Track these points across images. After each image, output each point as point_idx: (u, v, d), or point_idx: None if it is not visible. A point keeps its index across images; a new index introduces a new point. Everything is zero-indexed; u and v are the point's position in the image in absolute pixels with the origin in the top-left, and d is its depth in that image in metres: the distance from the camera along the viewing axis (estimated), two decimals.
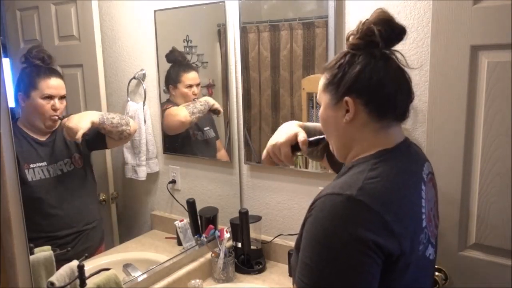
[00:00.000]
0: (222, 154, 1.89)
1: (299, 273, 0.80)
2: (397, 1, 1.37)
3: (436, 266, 1.30)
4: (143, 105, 1.89)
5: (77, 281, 1.08)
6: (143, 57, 1.92)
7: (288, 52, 1.64)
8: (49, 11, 1.79)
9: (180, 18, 1.87)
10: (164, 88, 1.90)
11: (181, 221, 1.70)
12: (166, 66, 1.89)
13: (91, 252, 1.61)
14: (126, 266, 1.47)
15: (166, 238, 1.89)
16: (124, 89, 1.92)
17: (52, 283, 1.03)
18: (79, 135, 1.47)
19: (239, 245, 1.72)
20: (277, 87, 1.69)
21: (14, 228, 0.79)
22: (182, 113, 1.83)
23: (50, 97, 1.48)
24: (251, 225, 1.72)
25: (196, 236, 1.73)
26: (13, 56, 1.71)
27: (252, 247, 1.74)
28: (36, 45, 1.69)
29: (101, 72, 1.85)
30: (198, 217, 1.77)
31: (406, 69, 0.89)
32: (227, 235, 1.68)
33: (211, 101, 1.86)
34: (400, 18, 1.35)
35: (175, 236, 1.75)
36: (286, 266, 1.72)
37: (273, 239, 1.78)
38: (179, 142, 1.95)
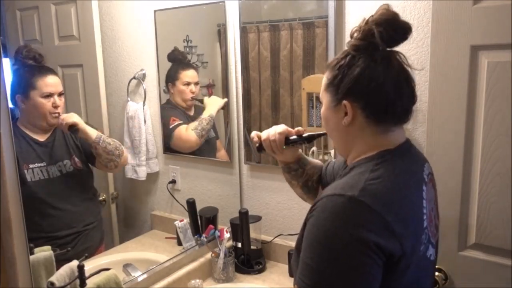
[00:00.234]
0: (222, 154, 1.89)
1: (300, 274, 0.80)
2: (397, 1, 1.37)
3: (436, 266, 1.31)
4: (143, 105, 1.89)
5: (77, 281, 1.08)
6: (143, 57, 1.92)
7: (288, 52, 1.64)
8: (49, 11, 1.79)
9: (180, 18, 1.87)
10: (164, 87, 1.91)
11: (181, 221, 1.70)
12: (166, 66, 1.89)
13: (91, 252, 1.61)
14: (126, 266, 1.47)
15: (166, 238, 1.89)
16: (124, 89, 1.92)
17: (52, 283, 1.03)
18: (73, 118, 1.49)
19: (239, 245, 1.72)
20: (277, 87, 1.69)
21: (14, 228, 0.79)
22: (192, 139, 1.84)
23: (49, 95, 1.48)
24: (251, 225, 1.72)
25: (196, 236, 1.73)
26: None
27: (252, 247, 1.74)
28: (23, 45, 1.69)
29: (101, 72, 1.85)
30: (198, 217, 1.77)
31: (410, 69, 0.87)
32: (227, 235, 1.68)
33: (214, 111, 1.85)
34: None
35: (175, 236, 1.75)
36: (286, 266, 1.71)
37: (273, 239, 1.78)
38: None
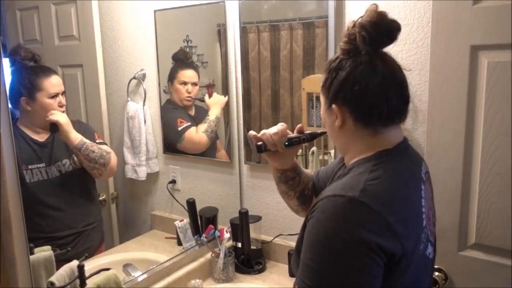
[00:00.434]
0: (222, 154, 1.89)
1: (300, 274, 0.80)
2: (397, 1, 1.37)
3: (436, 266, 1.31)
4: (143, 105, 1.89)
5: (77, 281, 1.08)
6: (143, 57, 1.92)
7: (288, 52, 1.64)
8: (49, 11, 1.79)
9: (180, 18, 1.87)
10: (165, 87, 1.91)
11: (181, 221, 1.70)
12: (166, 66, 1.89)
13: (91, 252, 1.61)
14: (126, 266, 1.47)
15: (166, 238, 1.89)
16: (124, 89, 1.92)
17: (52, 283, 1.03)
18: (57, 117, 1.46)
19: (239, 245, 1.72)
20: (277, 87, 1.69)
21: (14, 228, 0.79)
22: (204, 141, 1.86)
23: (56, 95, 1.49)
24: (251, 225, 1.72)
25: (196, 236, 1.73)
26: None
27: (252, 247, 1.74)
28: (18, 45, 1.69)
29: (101, 72, 1.85)
30: (198, 217, 1.77)
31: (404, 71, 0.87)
32: (227, 235, 1.68)
33: (219, 112, 1.85)
34: (400, 18, 1.35)
35: (175, 236, 1.75)
36: (286, 266, 1.71)
37: (273, 239, 1.78)
38: None
